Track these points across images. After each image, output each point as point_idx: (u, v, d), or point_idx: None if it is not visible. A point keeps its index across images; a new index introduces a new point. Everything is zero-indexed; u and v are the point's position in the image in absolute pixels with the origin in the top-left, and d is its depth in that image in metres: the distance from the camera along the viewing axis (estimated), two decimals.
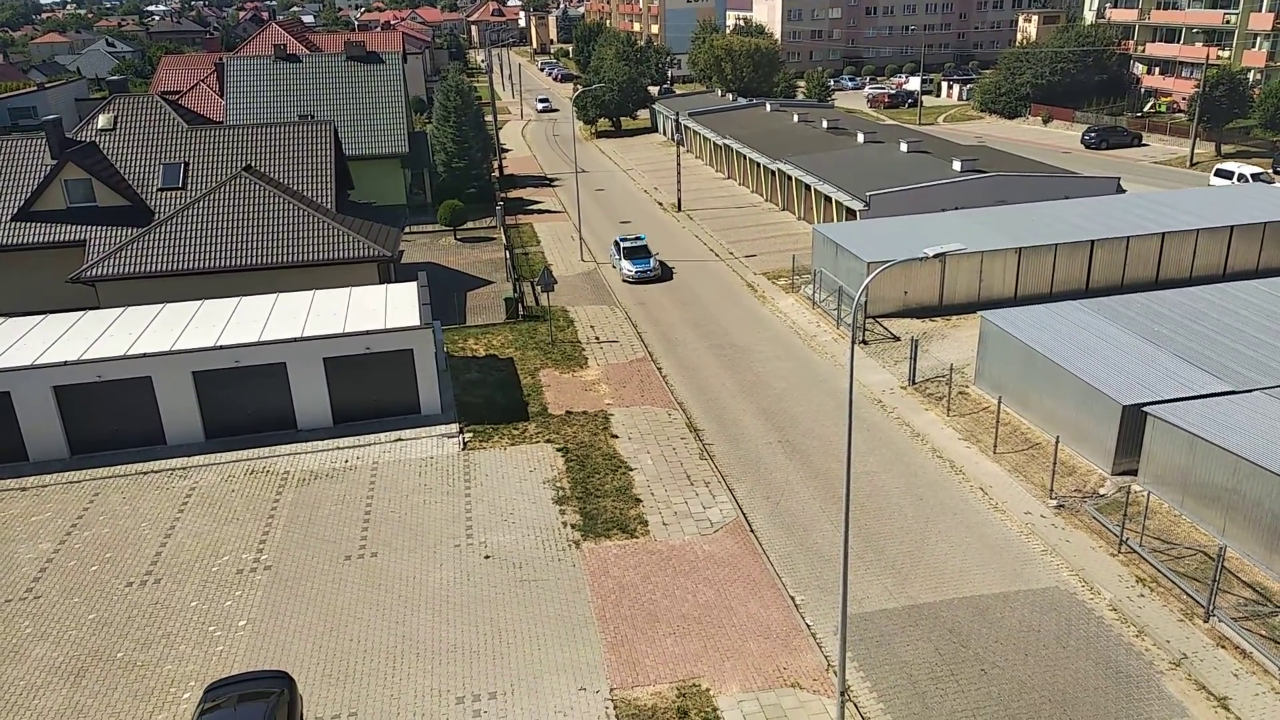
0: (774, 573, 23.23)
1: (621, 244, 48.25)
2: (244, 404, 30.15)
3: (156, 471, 28.68)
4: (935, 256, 16.32)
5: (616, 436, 30.20)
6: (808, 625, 21.37)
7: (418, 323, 31.05)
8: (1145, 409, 25.27)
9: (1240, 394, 25.71)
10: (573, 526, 25.26)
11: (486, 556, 24.07)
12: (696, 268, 48.38)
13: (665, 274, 47.20)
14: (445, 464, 28.70)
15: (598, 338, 38.90)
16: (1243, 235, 41.54)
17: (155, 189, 42.95)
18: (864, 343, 36.83)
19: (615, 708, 18.98)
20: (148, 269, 36.96)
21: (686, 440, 29.96)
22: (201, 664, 20.58)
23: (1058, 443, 26.58)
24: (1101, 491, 25.89)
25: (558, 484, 27.38)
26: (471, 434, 30.47)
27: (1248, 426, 23.62)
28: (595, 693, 19.42)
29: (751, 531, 25.00)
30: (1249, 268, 41.73)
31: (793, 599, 22.28)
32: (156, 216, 41.47)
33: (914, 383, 33.12)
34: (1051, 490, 25.85)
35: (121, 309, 33.67)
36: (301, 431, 30.65)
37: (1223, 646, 20.03)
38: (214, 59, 76.35)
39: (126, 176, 42.97)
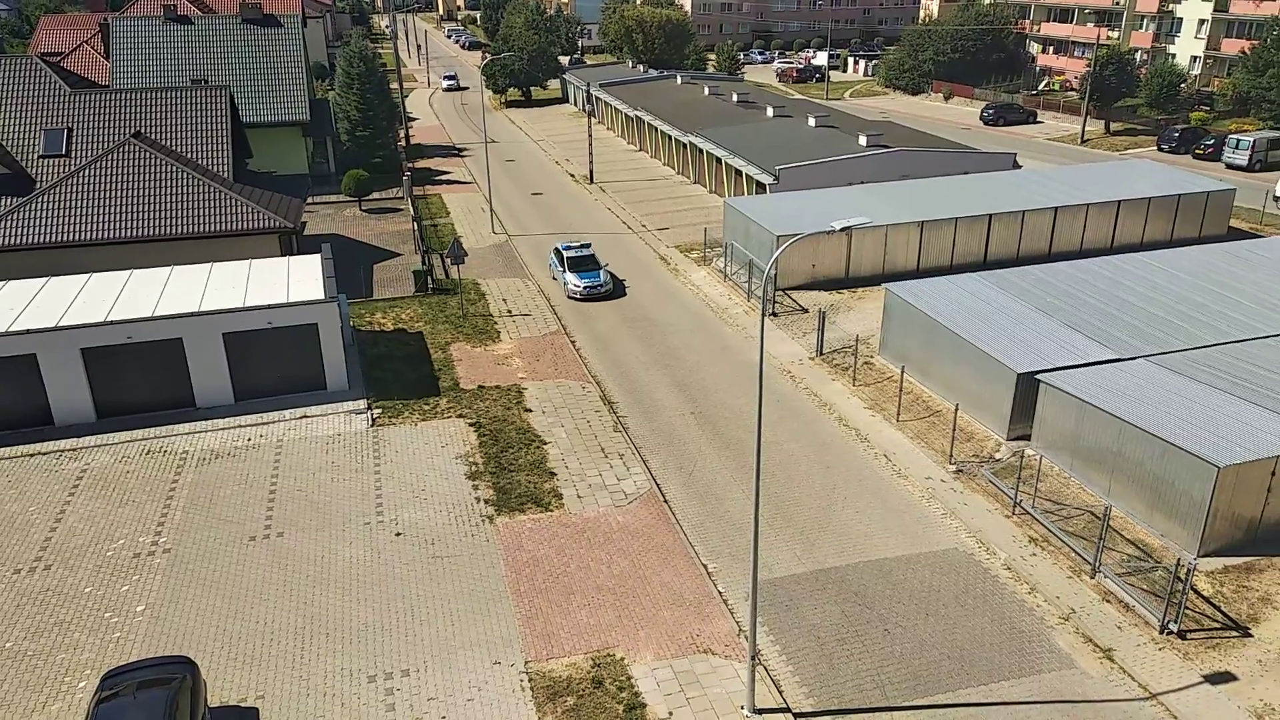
0: (687, 542, 23.56)
1: (564, 253, 41.38)
2: (138, 382, 28.91)
3: (44, 453, 27.31)
4: (842, 230, 16.64)
5: (530, 410, 30.07)
6: (720, 592, 21.78)
7: (322, 296, 30.22)
8: (1038, 377, 26.39)
9: (1125, 361, 27.08)
10: (486, 501, 25.10)
11: (398, 534, 23.74)
12: (609, 241, 48.26)
13: (618, 289, 41.08)
14: (353, 441, 28.12)
15: (510, 311, 38.55)
16: (1129, 210, 43.55)
17: (36, 156, 40.59)
18: (774, 315, 37.42)
19: (530, 680, 19.05)
20: (30, 240, 34.90)
21: (600, 413, 30.02)
22: (97, 652, 19.81)
23: (957, 410, 27.57)
24: (997, 456, 27.00)
25: (470, 459, 27.15)
26: (380, 410, 29.91)
27: (1132, 392, 24.92)
28: (510, 666, 19.43)
29: (665, 502, 25.27)
30: (1134, 241, 43.82)
31: (705, 567, 22.66)
32: (38, 185, 39.20)
33: (821, 354, 33.85)
34: (951, 456, 26.84)
35: (2, 283, 31.80)
36: (200, 410, 29.57)
37: (1108, 601, 21.21)
38: (98, 19, 72.13)
39: (4, 143, 40.43)
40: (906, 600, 21.46)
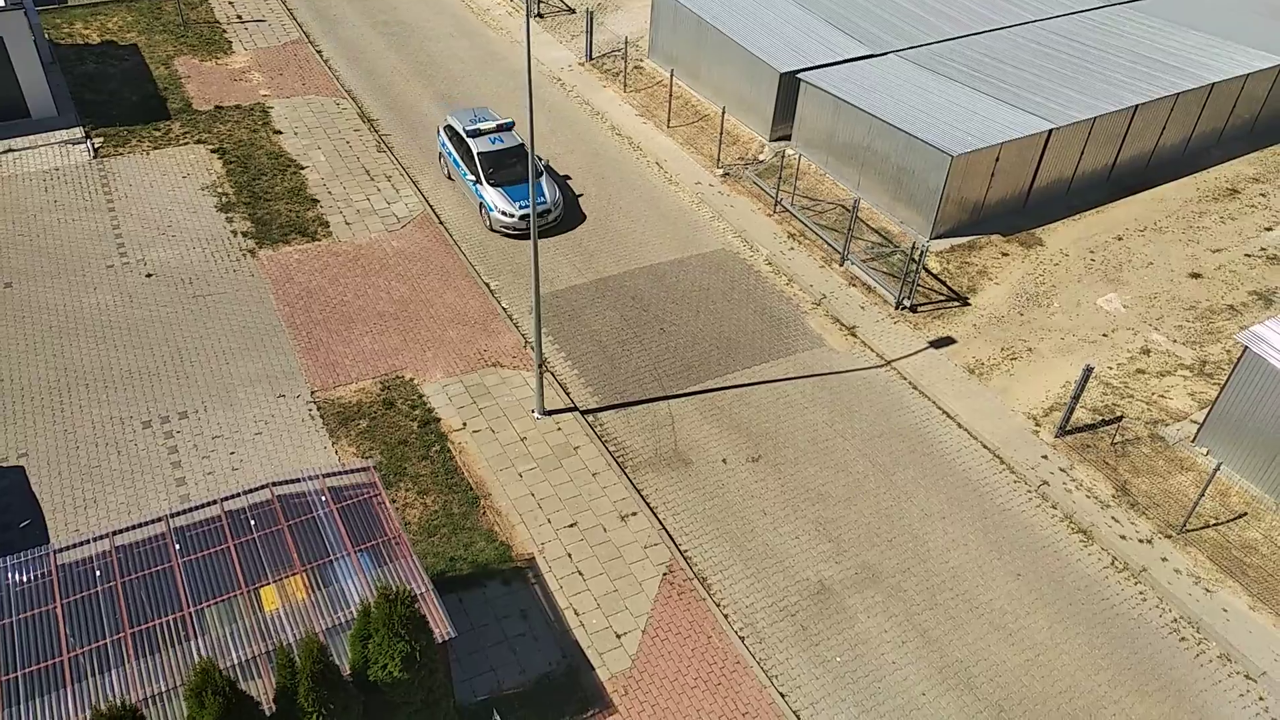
0: (467, 262, 23.42)
1: (473, 144, 24.23)
2: None
3: None
4: None
5: (280, 132, 27.59)
6: (504, 309, 22.15)
7: (2, 2, 25.26)
8: (799, 76, 26.99)
9: (877, 57, 28.10)
10: (244, 235, 23.49)
11: (149, 275, 21.98)
12: None
13: (572, 212, 25.23)
14: (75, 175, 24.95)
15: (240, 17, 34.02)
16: None
17: None
18: (540, 16, 35.33)
19: (319, 409, 19.05)
20: None
21: (361, 132, 28.06)
22: None
23: (724, 114, 27.97)
24: (761, 158, 28.04)
25: (219, 189, 24.96)
26: (102, 139, 26.44)
27: (881, 88, 26.13)
28: (296, 398, 19.27)
29: (440, 223, 24.68)
30: None
31: (488, 285, 22.79)
32: None
33: (591, 58, 32.72)
34: (718, 160, 27.59)
35: None
36: None
37: (854, 285, 23.49)
38: None
39: None
40: (679, 300, 22.78)
